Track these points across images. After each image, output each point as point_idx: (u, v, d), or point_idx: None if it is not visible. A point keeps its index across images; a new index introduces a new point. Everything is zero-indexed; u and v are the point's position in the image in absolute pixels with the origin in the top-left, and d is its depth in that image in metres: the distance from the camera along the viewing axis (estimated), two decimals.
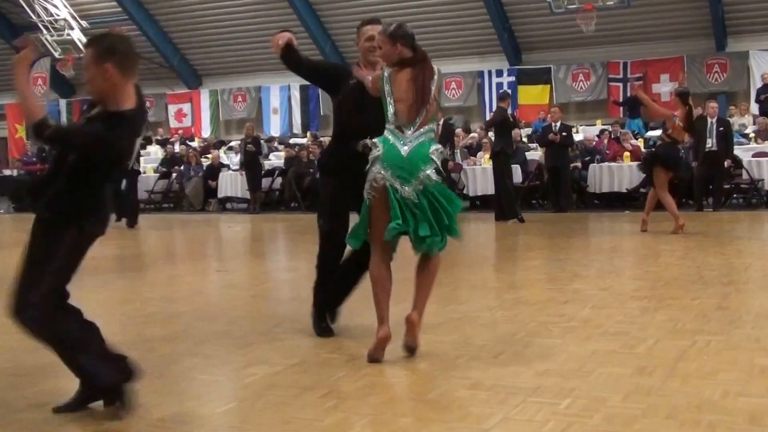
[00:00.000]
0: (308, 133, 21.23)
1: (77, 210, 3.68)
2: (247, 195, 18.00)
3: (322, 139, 19.80)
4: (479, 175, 16.03)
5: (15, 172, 21.04)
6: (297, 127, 22.48)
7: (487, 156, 16.06)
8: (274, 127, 22.74)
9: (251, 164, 17.61)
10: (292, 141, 20.44)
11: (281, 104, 22.61)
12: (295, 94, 22.37)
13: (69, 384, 4.40)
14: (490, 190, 15.57)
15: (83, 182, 3.64)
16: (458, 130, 17.78)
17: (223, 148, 20.84)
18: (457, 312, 5.84)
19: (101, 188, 3.76)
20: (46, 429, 3.62)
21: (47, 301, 3.71)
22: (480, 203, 16.20)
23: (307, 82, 21.89)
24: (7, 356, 4.92)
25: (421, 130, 4.50)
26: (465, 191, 16.12)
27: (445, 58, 19.59)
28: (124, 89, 3.61)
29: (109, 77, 3.55)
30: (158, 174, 19.34)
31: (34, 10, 21.94)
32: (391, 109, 4.51)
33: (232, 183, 18.57)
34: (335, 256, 5.26)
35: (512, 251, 10.29)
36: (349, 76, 5.18)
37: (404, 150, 4.44)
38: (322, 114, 22.17)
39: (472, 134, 18.31)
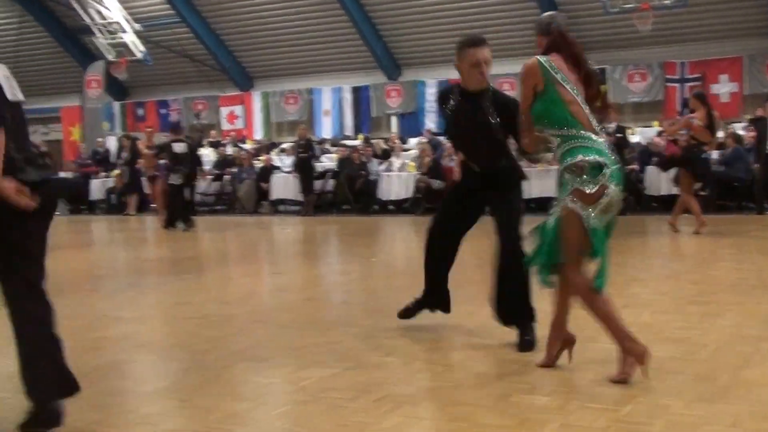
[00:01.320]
0: (360, 135, 21.26)
1: None
2: (300, 197, 18.06)
3: (373, 141, 19.79)
4: (535, 177, 15.85)
5: (70, 174, 21.41)
6: (348, 129, 22.52)
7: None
8: (326, 128, 22.81)
9: (304, 166, 17.68)
10: (343, 143, 20.49)
11: (333, 106, 22.66)
12: (347, 96, 22.41)
13: (127, 383, 4.44)
14: (545, 192, 15.45)
15: None
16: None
17: (275, 150, 20.96)
18: None
19: None
20: (105, 431, 3.64)
21: None
22: (536, 206, 16.01)
23: (359, 84, 21.65)
24: (67, 356, 4.97)
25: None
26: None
27: (501, 58, 19.40)
28: None
29: None
30: (211, 176, 19.52)
31: (87, 13, 22.28)
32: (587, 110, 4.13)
33: (284, 185, 18.65)
34: None
35: None
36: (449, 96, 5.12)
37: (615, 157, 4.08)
38: (373, 116, 22.18)
39: None
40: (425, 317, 5.63)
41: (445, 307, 5.43)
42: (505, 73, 19.52)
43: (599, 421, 3.45)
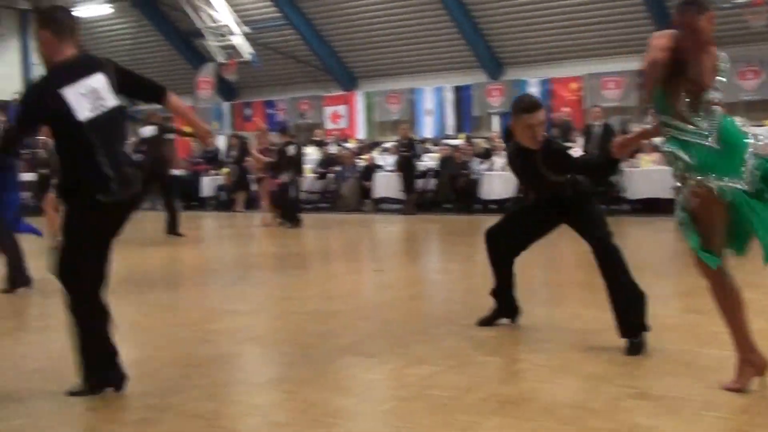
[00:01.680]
0: (461, 134, 21.22)
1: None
2: (402, 195, 18.16)
3: (475, 140, 19.72)
4: (639, 177, 15.53)
5: (183, 172, 22.02)
6: (450, 128, 22.50)
7: (647, 158, 15.55)
8: (428, 128, 22.84)
9: (406, 165, 17.76)
10: (445, 142, 20.47)
11: (434, 105, 22.68)
12: (449, 96, 22.38)
13: (238, 374, 4.57)
14: (651, 193, 15.09)
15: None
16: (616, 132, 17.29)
17: (378, 149, 21.12)
18: None
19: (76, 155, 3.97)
20: (218, 420, 3.76)
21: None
22: (641, 207, 15.68)
23: (460, 83, 21.45)
24: (181, 347, 5.16)
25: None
26: (624, 195, 15.67)
27: (604, 56, 19.11)
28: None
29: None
30: (315, 175, 19.83)
31: (199, 17, 22.92)
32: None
33: (386, 184, 18.77)
34: None
35: (680, 257, 9.89)
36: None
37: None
38: (475, 115, 22.10)
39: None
40: (528, 318, 5.60)
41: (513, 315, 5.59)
42: (609, 71, 19.21)
43: (713, 429, 3.37)
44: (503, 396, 3.92)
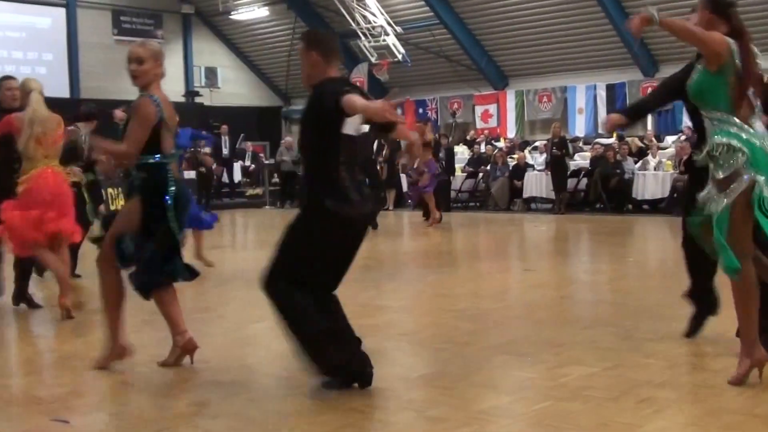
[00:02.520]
0: (614, 133, 20.72)
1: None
2: (552, 195, 17.94)
3: (628, 139, 19.21)
4: None
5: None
6: (602, 127, 22.01)
7: None
8: (579, 126, 22.47)
9: (556, 164, 17.53)
10: (597, 141, 20.05)
11: (587, 104, 22.27)
12: (601, 94, 21.92)
13: (392, 369, 4.68)
14: None
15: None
16: None
17: (528, 148, 20.94)
18: None
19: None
20: (375, 413, 3.87)
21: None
22: None
23: (614, 81, 20.82)
24: None
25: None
26: None
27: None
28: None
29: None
30: (465, 174, 19.87)
31: (354, 18, 23.42)
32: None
33: (537, 183, 18.60)
34: None
35: None
36: None
37: None
38: None
39: None
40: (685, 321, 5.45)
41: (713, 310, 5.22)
42: None
43: None
44: (663, 399, 3.85)
